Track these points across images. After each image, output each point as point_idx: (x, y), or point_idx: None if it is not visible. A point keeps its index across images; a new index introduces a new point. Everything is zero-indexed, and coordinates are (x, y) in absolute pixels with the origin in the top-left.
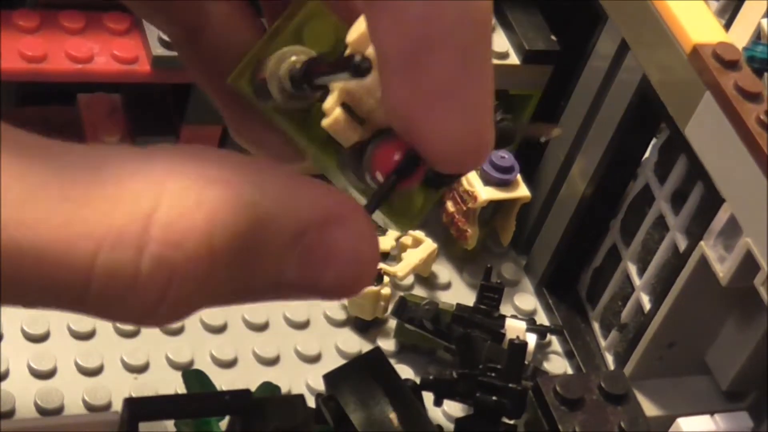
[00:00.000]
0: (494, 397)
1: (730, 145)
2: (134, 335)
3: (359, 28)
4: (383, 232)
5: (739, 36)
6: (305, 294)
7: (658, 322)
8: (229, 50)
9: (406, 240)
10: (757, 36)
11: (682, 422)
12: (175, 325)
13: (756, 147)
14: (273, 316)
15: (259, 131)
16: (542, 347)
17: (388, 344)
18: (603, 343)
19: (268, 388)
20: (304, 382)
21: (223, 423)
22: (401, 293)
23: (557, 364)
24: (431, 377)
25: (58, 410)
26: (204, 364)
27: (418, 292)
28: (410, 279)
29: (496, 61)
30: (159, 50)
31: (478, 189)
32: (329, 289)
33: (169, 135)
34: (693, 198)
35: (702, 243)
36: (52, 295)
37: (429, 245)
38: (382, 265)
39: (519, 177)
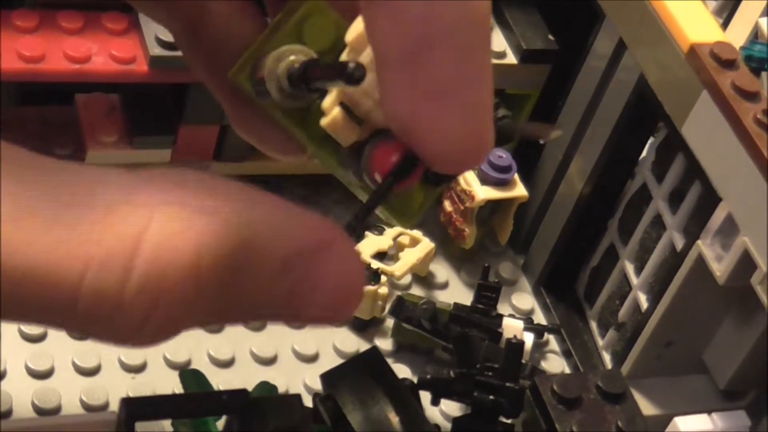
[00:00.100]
0: (491, 397)
1: (728, 144)
2: None
3: (358, 27)
4: (381, 231)
5: (737, 35)
6: (291, 319)
7: (656, 321)
8: (231, 45)
9: (404, 239)
10: (755, 35)
11: (680, 421)
12: None
13: (753, 146)
14: None
15: (261, 126)
16: (540, 346)
17: (385, 344)
18: (600, 342)
19: (266, 387)
20: (301, 381)
21: (221, 423)
22: (399, 293)
23: (555, 364)
24: (429, 376)
25: (56, 410)
26: (201, 364)
27: (416, 291)
28: (408, 278)
29: (493, 61)
30: (157, 50)
31: (476, 188)
32: (315, 316)
33: (167, 135)
34: (690, 197)
35: (699, 242)
36: (41, 313)
37: (426, 244)
38: (379, 265)
39: (516, 176)
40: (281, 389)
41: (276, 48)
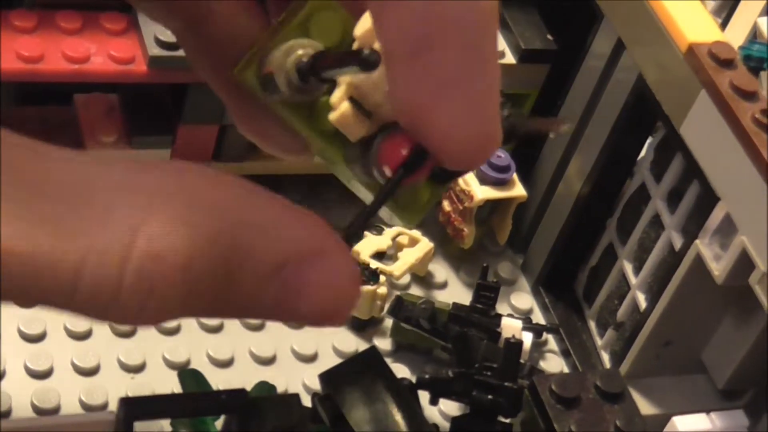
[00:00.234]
0: (490, 396)
1: (726, 143)
2: (131, 335)
3: (367, 22)
4: (380, 231)
5: (736, 35)
6: (282, 320)
7: (654, 321)
8: (233, 42)
9: (403, 239)
10: (754, 35)
11: (678, 421)
12: (172, 325)
13: (751, 146)
14: None
15: (265, 123)
16: (539, 346)
17: (384, 343)
18: (599, 341)
19: (264, 387)
20: (300, 381)
21: (219, 422)
22: (398, 292)
23: (554, 363)
24: (427, 376)
25: (55, 410)
26: (201, 364)
27: (415, 291)
28: (407, 278)
29: None
30: (155, 50)
31: (475, 188)
32: (305, 319)
33: (166, 135)
34: (689, 197)
35: (697, 242)
36: (42, 299)
37: (425, 244)
38: (378, 264)
39: (515, 176)
40: (280, 389)
41: (283, 42)
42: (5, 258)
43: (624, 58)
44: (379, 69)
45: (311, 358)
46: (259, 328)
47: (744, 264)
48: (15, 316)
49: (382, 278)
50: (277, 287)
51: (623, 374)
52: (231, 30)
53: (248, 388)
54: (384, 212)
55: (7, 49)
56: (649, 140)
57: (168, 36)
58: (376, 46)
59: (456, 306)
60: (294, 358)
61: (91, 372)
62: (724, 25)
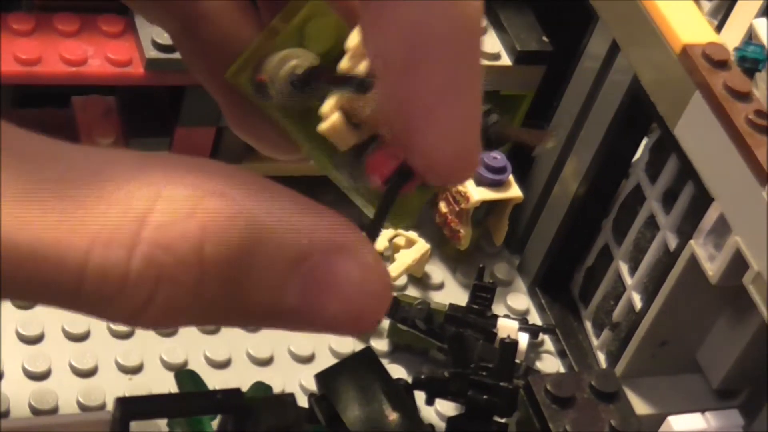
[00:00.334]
0: (486, 396)
1: (720, 144)
2: (128, 336)
3: (359, 34)
4: None
5: (732, 36)
6: (307, 325)
7: (650, 321)
8: (227, 44)
9: (399, 240)
10: (749, 36)
11: (674, 420)
12: None
13: (745, 146)
14: None
15: (259, 125)
16: (535, 347)
17: (381, 344)
18: (595, 342)
19: (260, 387)
20: (297, 382)
21: (215, 422)
22: (394, 293)
23: (550, 364)
24: (423, 376)
25: (53, 411)
26: (198, 365)
27: (412, 292)
28: (403, 279)
29: (488, 62)
30: (153, 53)
31: (471, 189)
32: (333, 322)
33: (164, 137)
34: (683, 197)
35: (692, 242)
36: (47, 292)
37: (422, 246)
38: None
39: (511, 177)
40: (277, 390)
41: (277, 49)
42: (6, 248)
43: (619, 59)
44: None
45: (308, 359)
46: (256, 329)
47: (738, 264)
48: (13, 318)
49: None
50: (301, 282)
51: (619, 374)
52: (225, 31)
53: (245, 389)
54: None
55: (5, 51)
56: (644, 141)
57: (165, 38)
58: (363, 66)
59: (452, 307)
60: (291, 359)
61: (89, 373)
62: (720, 27)
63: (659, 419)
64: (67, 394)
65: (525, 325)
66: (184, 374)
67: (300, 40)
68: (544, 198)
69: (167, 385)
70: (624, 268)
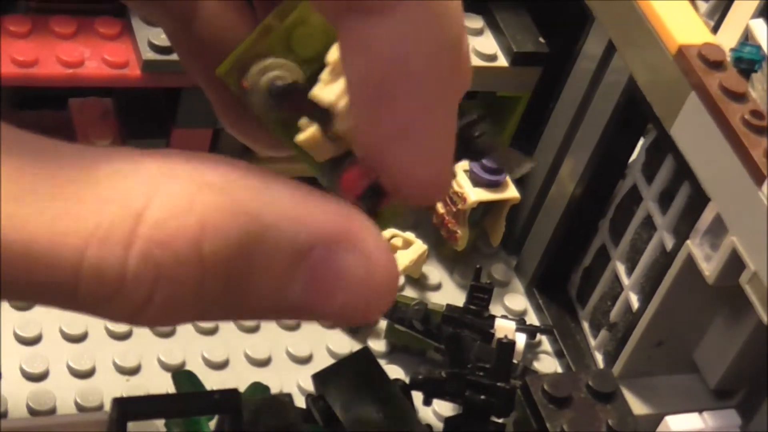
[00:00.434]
0: (483, 396)
1: (716, 145)
2: (126, 337)
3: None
4: None
5: (728, 37)
6: (310, 317)
7: (647, 321)
8: (223, 44)
9: (397, 241)
10: (746, 37)
11: (671, 420)
12: (167, 328)
13: (741, 147)
14: None
15: (252, 124)
16: (532, 347)
17: (378, 345)
18: (593, 342)
19: (258, 388)
20: (295, 383)
21: (213, 423)
22: None
23: (547, 364)
24: (421, 377)
25: (50, 412)
26: (195, 366)
27: (409, 292)
28: (401, 280)
29: (484, 64)
30: (149, 54)
31: (468, 190)
32: (339, 314)
33: (160, 138)
34: (680, 198)
35: (688, 242)
36: (43, 293)
37: (419, 247)
38: None
39: (508, 178)
40: (275, 391)
41: (266, 50)
42: (4, 247)
43: (615, 60)
44: (346, 100)
45: (306, 360)
46: (253, 329)
47: (734, 264)
48: (11, 319)
49: None
50: (306, 275)
51: (616, 374)
52: (221, 30)
53: (242, 389)
54: None
55: (2, 53)
56: (640, 142)
57: (161, 40)
58: (341, 83)
59: (449, 307)
60: (288, 359)
61: (87, 374)
62: (716, 27)
63: (656, 419)
64: (64, 394)
65: (522, 326)
66: (181, 375)
67: (288, 43)
68: (541, 199)
69: (164, 386)
70: (621, 269)
